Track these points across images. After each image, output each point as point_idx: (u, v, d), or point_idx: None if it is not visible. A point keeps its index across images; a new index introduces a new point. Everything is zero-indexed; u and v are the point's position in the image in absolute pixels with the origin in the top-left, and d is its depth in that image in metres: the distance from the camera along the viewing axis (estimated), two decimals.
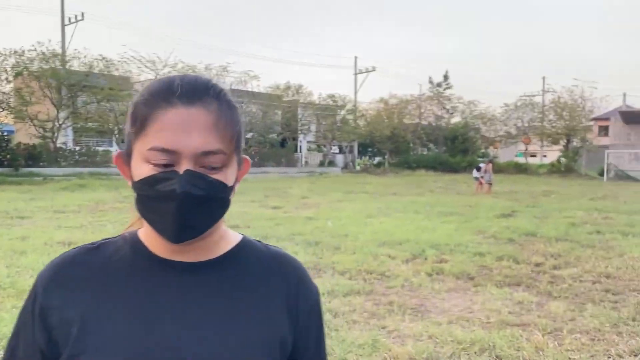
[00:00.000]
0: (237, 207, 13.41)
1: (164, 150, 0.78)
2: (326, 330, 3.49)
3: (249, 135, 37.98)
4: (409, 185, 25.24)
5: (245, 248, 0.93)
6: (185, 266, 0.86)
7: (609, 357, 3.81)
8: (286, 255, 0.96)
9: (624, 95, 56.98)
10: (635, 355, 3.84)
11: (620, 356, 3.83)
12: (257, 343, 0.83)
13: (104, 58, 28.60)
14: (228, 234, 0.93)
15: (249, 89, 35.75)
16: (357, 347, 3.87)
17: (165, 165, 0.78)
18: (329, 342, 3.93)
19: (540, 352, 3.83)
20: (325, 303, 4.96)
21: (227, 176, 0.83)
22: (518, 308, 5.03)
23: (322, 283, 5.66)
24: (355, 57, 47.12)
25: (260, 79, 37.78)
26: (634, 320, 4.63)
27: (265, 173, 32.41)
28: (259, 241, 0.97)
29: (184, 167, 0.78)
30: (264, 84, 52.63)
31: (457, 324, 4.50)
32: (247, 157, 0.90)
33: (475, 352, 3.85)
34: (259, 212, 12.27)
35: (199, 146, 0.78)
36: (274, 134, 38.69)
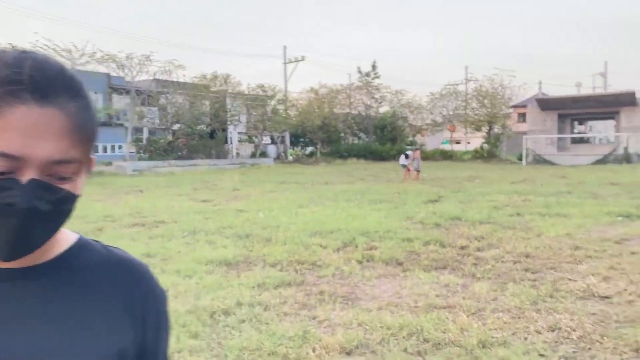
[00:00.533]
0: (163, 202, 12.98)
1: (5, 156, 0.63)
2: (256, 323, 3.39)
3: (175, 127, 36.87)
4: (341, 174, 25.50)
5: (81, 250, 0.81)
6: (9, 273, 0.73)
7: (529, 334, 3.97)
8: (129, 259, 0.84)
9: (540, 83, 60.58)
10: (553, 331, 4.03)
11: (539, 332, 4.01)
12: (91, 356, 0.73)
13: (14, 47, 26.60)
14: (61, 233, 0.79)
15: (174, 79, 34.61)
16: (288, 339, 3.80)
17: (2, 173, 0.64)
18: (259, 336, 3.85)
19: (465, 333, 3.94)
20: (255, 296, 4.87)
21: (77, 185, 0.71)
22: (444, 291, 5.16)
23: (252, 276, 5.56)
24: (284, 47, 46.78)
25: (185, 68, 36.48)
26: (551, 297, 4.87)
27: (194, 166, 31.59)
28: (97, 241, 0.85)
29: (27, 175, 0.65)
30: (190, 74, 51.11)
31: (386, 310, 4.55)
32: (94, 156, 0.76)
33: (403, 337, 3.89)
34: (187, 206, 11.91)
35: (51, 154, 0.65)
36: (203, 125, 37.73)
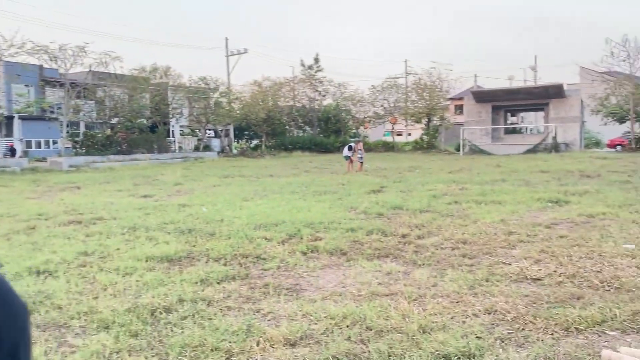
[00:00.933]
0: (102, 198, 12.51)
1: None
2: (199, 319, 3.32)
3: (114, 121, 35.54)
4: (286, 166, 25.46)
5: None
6: None
7: (467, 317, 4.12)
8: None
9: (475, 76, 62.86)
10: (489, 313, 4.20)
11: (476, 315, 4.17)
12: None
13: None
14: None
15: (111, 71, 33.30)
16: (231, 334, 3.77)
17: None
18: (202, 332, 3.79)
19: (407, 319, 4.04)
20: (198, 292, 4.79)
21: None
22: (387, 279, 5.26)
23: (195, 271, 5.46)
24: (226, 39, 46.03)
25: (123, 60, 35.11)
26: (487, 281, 5.07)
27: (134, 160, 30.62)
28: None
29: None
30: (128, 66, 49.36)
31: (330, 300, 4.59)
32: None
33: (347, 326, 3.94)
34: (127, 202, 11.54)
35: None
36: (143, 118, 36.57)
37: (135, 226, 8.21)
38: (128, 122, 34.53)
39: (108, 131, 34.80)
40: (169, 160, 32.55)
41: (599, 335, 3.70)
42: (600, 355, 3.32)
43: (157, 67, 38.55)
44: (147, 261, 5.92)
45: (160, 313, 4.25)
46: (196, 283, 5.07)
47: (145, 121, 36.71)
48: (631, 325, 3.83)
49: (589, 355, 3.33)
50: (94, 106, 36.00)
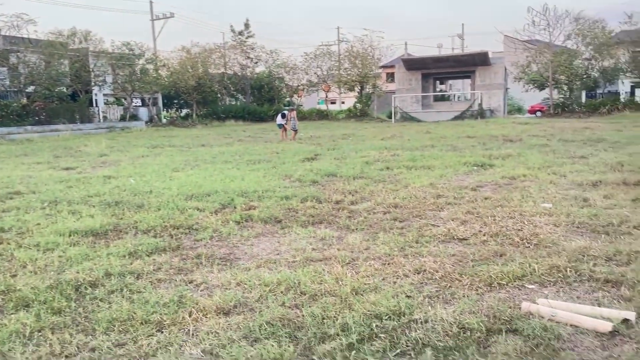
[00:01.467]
0: (19, 171, 11.72)
1: None
2: (128, 293, 3.19)
3: (30, 89, 33.17)
4: (218, 136, 24.93)
5: None
6: None
7: (398, 278, 4.24)
8: None
9: (406, 44, 63.82)
10: (419, 273, 4.34)
11: (407, 275, 4.30)
12: None
13: None
14: None
15: (25, 36, 30.85)
16: (162, 306, 3.67)
17: None
18: (130, 306, 3.66)
19: (340, 282, 4.10)
20: (126, 265, 4.61)
21: None
22: (321, 244, 5.31)
23: (123, 245, 5.26)
24: (151, 2, 43.72)
25: (37, 23, 32.60)
26: (417, 242, 5.23)
27: (55, 131, 28.88)
28: None
29: None
30: (44, 30, 45.91)
31: (265, 267, 4.58)
32: None
33: (281, 292, 3.95)
34: (47, 175, 10.88)
35: None
36: (62, 86, 34.32)
37: (57, 200, 7.77)
38: (46, 90, 32.27)
39: (24, 100, 32.45)
40: (93, 131, 30.95)
41: (519, 289, 3.93)
42: (520, 307, 3.52)
43: (76, 32, 36.08)
44: (70, 236, 5.63)
45: (86, 288, 4.06)
46: (124, 256, 4.89)
47: (65, 89, 34.48)
48: (548, 279, 4.09)
49: (510, 307, 3.53)
50: (6, 73, 33.32)
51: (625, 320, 3.21)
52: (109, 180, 9.93)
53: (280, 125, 21.97)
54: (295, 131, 21.53)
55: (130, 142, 21.61)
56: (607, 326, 3.13)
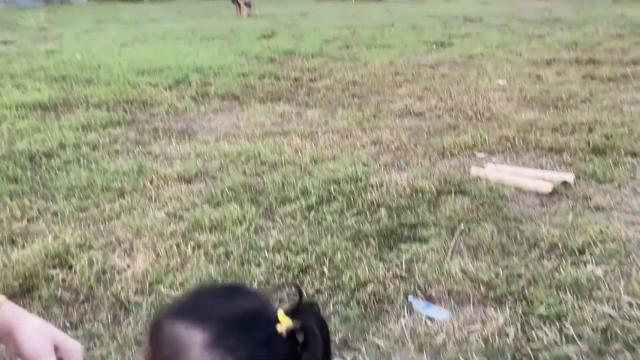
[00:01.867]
0: None
1: None
2: (85, 162, 3.16)
3: None
4: (168, 11, 23.43)
5: None
6: None
7: (355, 149, 4.35)
8: None
9: None
10: (375, 145, 4.46)
11: (364, 147, 4.41)
12: None
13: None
14: None
15: None
16: (122, 174, 3.68)
17: None
18: (89, 175, 3.66)
19: (299, 153, 4.18)
20: (81, 137, 4.52)
21: None
22: (280, 119, 5.31)
23: (75, 118, 5.11)
24: None
25: None
26: (374, 117, 5.31)
27: None
28: None
29: None
30: None
31: (224, 140, 4.58)
32: None
33: (242, 162, 4.01)
34: None
35: None
36: None
37: None
38: None
39: None
40: (28, 4, 28.37)
41: (470, 157, 4.13)
42: (469, 172, 3.72)
43: None
44: (17, 109, 5.40)
45: (40, 158, 4.00)
46: (77, 129, 4.77)
47: None
48: (497, 148, 4.29)
49: (460, 172, 3.73)
50: None
51: (565, 183, 3.46)
52: (52, 54, 9.34)
53: (235, 1, 20.75)
54: (249, 7, 20.43)
55: (72, 16, 20.08)
56: (547, 187, 3.38)
